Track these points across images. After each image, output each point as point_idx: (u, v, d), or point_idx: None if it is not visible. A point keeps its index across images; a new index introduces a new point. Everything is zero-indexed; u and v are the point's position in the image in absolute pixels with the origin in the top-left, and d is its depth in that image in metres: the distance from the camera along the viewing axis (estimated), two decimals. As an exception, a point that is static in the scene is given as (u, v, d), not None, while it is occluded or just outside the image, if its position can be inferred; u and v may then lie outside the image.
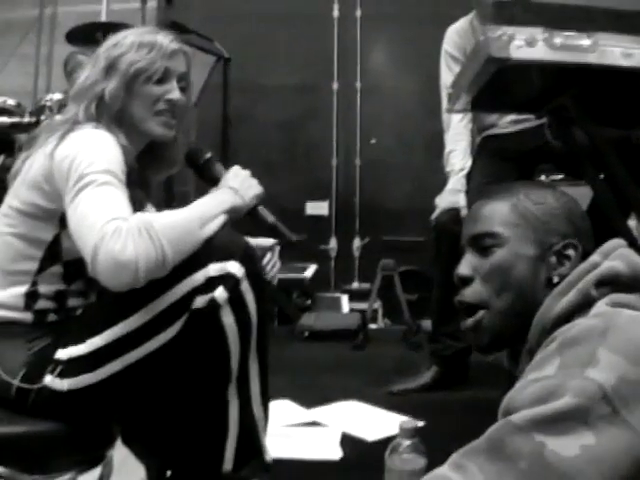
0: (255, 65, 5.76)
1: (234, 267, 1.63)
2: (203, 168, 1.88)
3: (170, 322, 1.61)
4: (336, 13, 5.89)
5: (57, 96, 3.90)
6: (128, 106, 1.78)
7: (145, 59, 1.77)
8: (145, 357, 1.62)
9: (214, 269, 1.61)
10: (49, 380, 1.61)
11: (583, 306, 1.16)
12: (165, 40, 1.81)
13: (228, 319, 1.63)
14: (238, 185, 1.77)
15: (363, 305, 4.80)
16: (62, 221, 1.62)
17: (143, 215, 1.53)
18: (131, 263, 1.44)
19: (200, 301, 1.60)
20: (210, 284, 1.61)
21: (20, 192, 1.69)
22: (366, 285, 5.21)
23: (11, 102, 3.90)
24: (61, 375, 1.61)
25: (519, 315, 1.25)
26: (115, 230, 1.45)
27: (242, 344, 1.66)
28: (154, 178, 1.98)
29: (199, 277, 1.60)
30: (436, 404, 2.83)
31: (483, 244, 1.31)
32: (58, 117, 1.83)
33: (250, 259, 1.68)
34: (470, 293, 1.30)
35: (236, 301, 1.63)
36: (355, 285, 5.50)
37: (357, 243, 5.77)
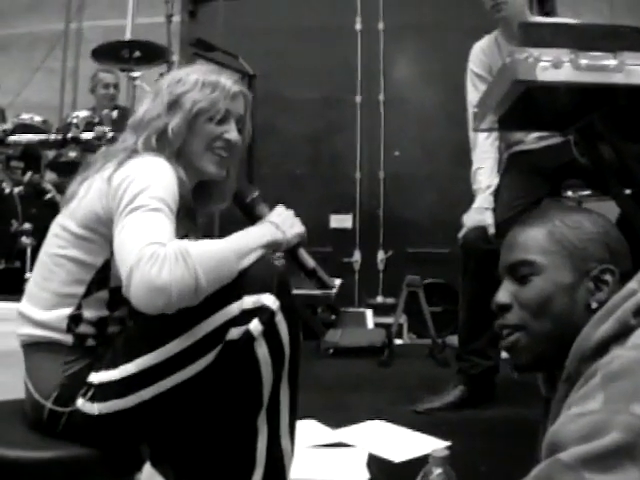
0: (279, 78, 5.79)
1: (269, 300, 1.63)
2: (248, 207, 1.89)
3: (204, 352, 1.61)
4: (359, 26, 5.91)
5: (83, 114, 3.94)
6: (188, 142, 1.83)
7: (208, 99, 1.82)
8: (177, 385, 1.62)
9: (249, 301, 1.61)
10: (80, 403, 1.62)
11: (621, 335, 1.15)
12: (228, 82, 1.86)
13: (262, 351, 1.62)
14: (280, 221, 1.79)
15: (388, 319, 4.77)
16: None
17: (181, 242, 1.53)
18: (165, 288, 1.45)
19: (235, 333, 1.60)
20: (245, 316, 1.61)
21: (76, 214, 1.70)
22: (390, 299, 5.20)
23: (38, 119, 3.94)
24: (92, 399, 1.62)
25: (557, 340, 1.26)
26: (152, 254, 1.46)
27: (274, 375, 1.66)
28: (201, 212, 2.00)
29: (234, 309, 1.60)
30: (463, 423, 2.79)
31: (520, 272, 1.31)
32: (116, 145, 1.85)
33: (285, 290, 1.67)
34: (510, 316, 1.31)
35: (270, 333, 1.63)
36: (379, 299, 5.48)
37: (381, 256, 5.76)
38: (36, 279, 1.76)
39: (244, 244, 1.65)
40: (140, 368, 1.61)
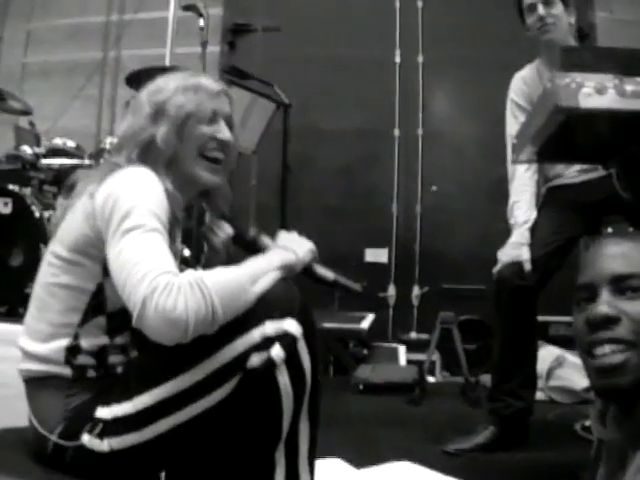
0: (316, 110, 5.79)
1: (292, 326, 1.57)
2: (250, 243, 1.86)
3: (224, 380, 1.55)
4: (398, 59, 5.89)
5: (116, 139, 3.91)
6: (178, 151, 1.75)
7: (193, 101, 1.76)
8: (196, 416, 1.56)
9: (271, 327, 1.55)
10: (87, 440, 1.55)
11: None
12: (209, 81, 1.83)
13: (283, 379, 1.56)
14: (288, 243, 1.75)
15: (421, 356, 4.67)
16: (105, 268, 1.57)
17: (195, 272, 1.48)
18: (181, 320, 1.39)
19: (256, 359, 1.54)
20: (267, 342, 1.54)
21: (64, 239, 1.64)
22: (424, 335, 5.10)
23: (71, 144, 3.95)
24: (101, 435, 1.55)
25: None
26: (167, 285, 1.40)
27: (295, 405, 1.59)
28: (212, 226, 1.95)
29: (255, 335, 1.54)
30: (494, 466, 2.69)
31: (630, 285, 1.24)
32: (97, 167, 1.80)
33: (306, 316, 1.62)
34: (621, 331, 1.22)
35: (292, 360, 1.57)
36: (413, 335, 5.41)
37: (416, 291, 5.69)
38: (32, 311, 1.70)
39: (257, 269, 1.59)
40: (157, 399, 1.54)
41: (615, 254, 1.28)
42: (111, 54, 6.05)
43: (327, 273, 1.81)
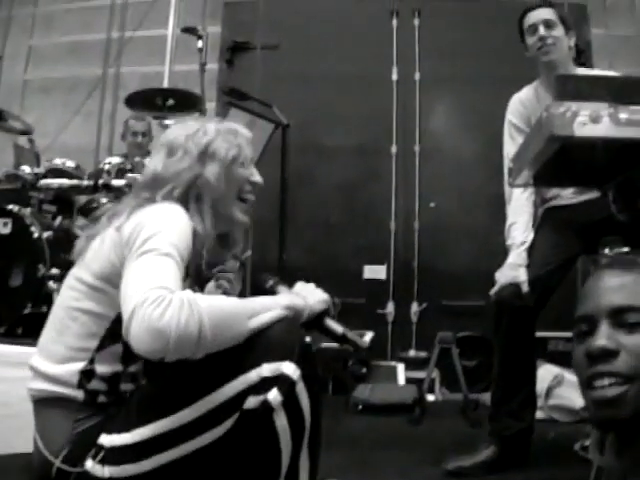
0: (315, 127, 5.81)
1: (289, 368, 1.57)
2: (268, 292, 1.85)
3: (221, 420, 1.56)
4: (395, 76, 5.91)
5: (115, 160, 3.94)
6: (223, 192, 1.84)
7: (235, 145, 1.87)
8: (193, 452, 1.57)
9: (268, 369, 1.56)
10: (90, 466, 1.58)
11: None
12: (241, 127, 1.94)
13: (281, 422, 1.56)
14: (300, 290, 1.78)
15: (420, 374, 4.67)
16: None
17: (190, 292, 1.49)
18: (165, 332, 1.39)
19: (252, 402, 1.55)
20: (264, 384, 1.55)
21: (92, 265, 1.69)
22: (423, 353, 5.08)
23: (70, 164, 3.95)
24: (103, 461, 1.57)
25: None
26: (158, 297, 1.42)
27: (294, 445, 1.60)
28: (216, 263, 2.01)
29: (253, 376, 1.55)
30: (494, 486, 2.69)
31: (628, 319, 1.24)
32: (124, 202, 1.84)
33: (306, 358, 1.62)
34: (620, 365, 1.22)
35: (290, 403, 1.57)
36: (412, 353, 5.37)
37: (415, 308, 5.68)
38: (50, 333, 1.73)
39: (258, 304, 1.60)
40: (155, 433, 1.56)
41: (614, 286, 1.27)
42: (111, 71, 6.06)
43: (337, 327, 1.79)
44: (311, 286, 1.80)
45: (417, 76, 5.89)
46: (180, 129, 1.90)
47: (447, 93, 5.92)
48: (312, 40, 5.93)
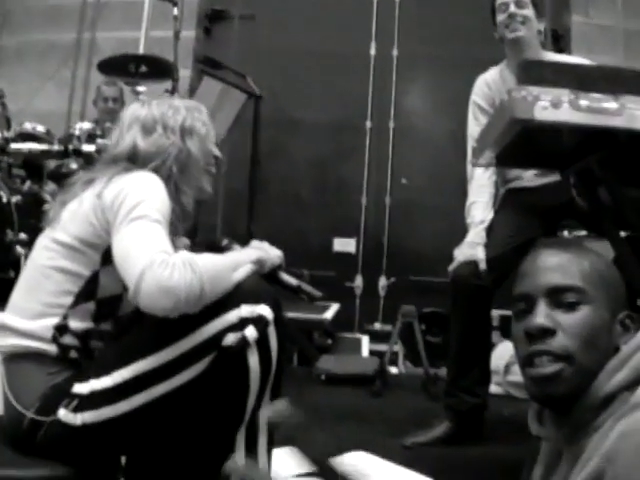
0: (289, 100, 5.81)
1: (265, 310, 1.72)
2: (224, 250, 2.03)
3: (200, 357, 1.69)
4: (373, 51, 5.90)
5: (86, 125, 3.93)
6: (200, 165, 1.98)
7: (204, 121, 1.99)
8: (167, 392, 1.67)
9: (246, 310, 1.70)
10: (63, 414, 1.64)
11: (635, 383, 1.16)
12: (200, 104, 2.04)
13: (253, 359, 1.70)
14: (260, 246, 1.94)
15: (384, 347, 4.69)
16: (104, 258, 1.71)
17: (187, 253, 1.64)
18: (175, 289, 1.54)
19: (231, 338, 1.68)
20: (242, 323, 1.69)
21: (69, 227, 1.75)
22: (388, 327, 5.13)
23: (40, 129, 3.91)
24: (76, 410, 1.64)
25: (595, 376, 1.23)
26: (163, 260, 1.55)
27: (261, 385, 1.73)
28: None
29: (232, 316, 1.69)
30: (449, 460, 2.74)
31: (566, 298, 1.27)
32: (95, 171, 1.91)
33: (277, 307, 1.77)
34: (558, 345, 1.25)
35: (262, 343, 1.71)
36: (377, 326, 5.44)
37: (383, 282, 5.73)
38: (21, 291, 1.79)
39: (237, 258, 1.79)
40: (135, 373, 1.65)
41: (552, 266, 1.30)
42: (85, 36, 6.00)
43: (291, 279, 1.98)
44: (265, 244, 1.96)
45: (395, 52, 5.90)
46: (145, 107, 1.97)
47: (424, 71, 5.94)
48: (290, 12, 5.91)
